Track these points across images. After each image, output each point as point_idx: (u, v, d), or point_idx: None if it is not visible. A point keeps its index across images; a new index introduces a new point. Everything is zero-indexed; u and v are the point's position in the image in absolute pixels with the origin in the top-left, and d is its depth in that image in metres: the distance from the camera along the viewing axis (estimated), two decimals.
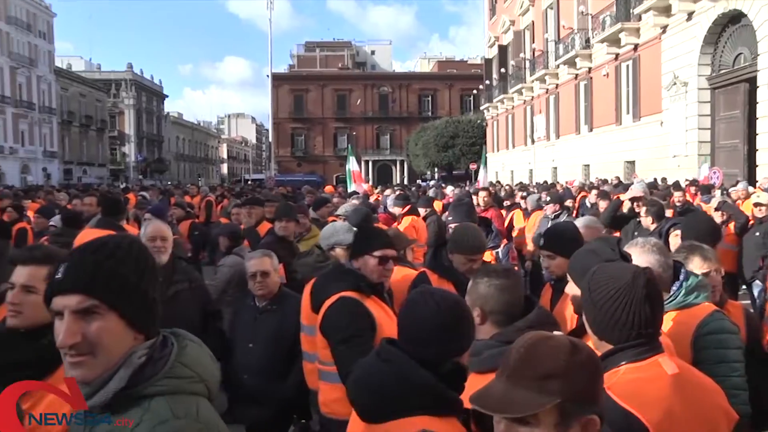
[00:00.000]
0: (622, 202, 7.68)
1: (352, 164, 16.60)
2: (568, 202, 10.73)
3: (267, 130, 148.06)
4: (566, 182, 24.52)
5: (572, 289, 2.75)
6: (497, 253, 6.18)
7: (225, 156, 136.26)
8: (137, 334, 1.51)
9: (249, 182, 50.01)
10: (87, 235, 5.91)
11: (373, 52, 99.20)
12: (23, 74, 65.85)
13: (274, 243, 5.84)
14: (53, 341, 2.28)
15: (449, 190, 17.61)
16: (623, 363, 2.02)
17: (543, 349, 1.49)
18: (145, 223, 5.43)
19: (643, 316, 2.01)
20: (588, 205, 11.94)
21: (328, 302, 3.39)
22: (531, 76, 39.55)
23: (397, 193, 12.25)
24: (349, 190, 14.28)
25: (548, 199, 9.77)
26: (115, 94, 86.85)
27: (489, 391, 1.49)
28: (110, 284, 1.46)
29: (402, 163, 76.48)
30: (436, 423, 1.87)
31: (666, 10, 22.88)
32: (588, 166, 31.53)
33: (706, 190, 13.34)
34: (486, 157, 20.84)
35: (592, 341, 2.09)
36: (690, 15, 21.66)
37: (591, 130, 31.73)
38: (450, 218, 6.18)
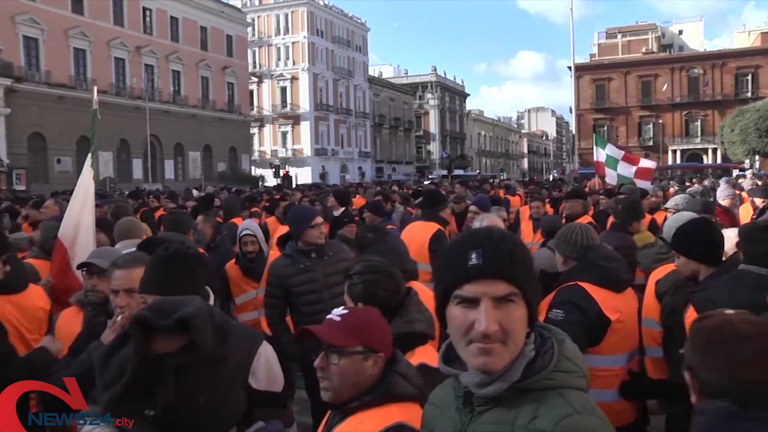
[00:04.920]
0: None
1: (610, 149, 13.93)
2: None
3: (567, 123, 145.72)
4: None
5: None
6: None
7: (525, 151, 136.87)
8: (528, 327, 1.47)
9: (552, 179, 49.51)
10: (414, 227, 6.50)
11: (680, 32, 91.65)
12: (343, 85, 74.07)
13: (614, 236, 5.68)
14: None
15: None
16: None
17: None
18: (478, 217, 5.51)
19: None
20: None
21: None
22: None
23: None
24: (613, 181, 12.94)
25: None
26: (421, 96, 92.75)
27: None
28: (524, 273, 1.44)
29: (714, 151, 69.72)
30: None
31: None
32: None
33: None
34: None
35: None
36: None
37: None
38: None
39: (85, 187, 5.00)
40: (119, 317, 2.70)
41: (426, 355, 2.51)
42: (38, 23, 39.67)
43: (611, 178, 13.24)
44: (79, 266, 3.59)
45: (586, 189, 13.15)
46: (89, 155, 5.23)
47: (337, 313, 2.09)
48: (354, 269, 2.83)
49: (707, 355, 1.91)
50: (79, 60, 43.07)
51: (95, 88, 6.13)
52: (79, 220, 4.82)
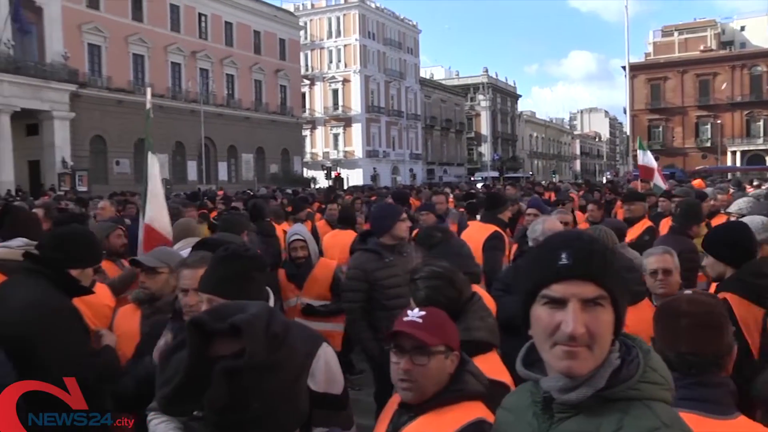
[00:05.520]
0: None
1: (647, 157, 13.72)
2: None
3: (621, 124, 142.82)
4: None
5: None
6: None
7: (578, 152, 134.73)
8: (613, 334, 1.42)
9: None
10: (472, 228, 6.51)
11: (742, 28, 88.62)
12: (394, 87, 74.27)
13: (675, 240, 5.46)
14: None
15: None
16: None
17: None
18: (538, 219, 5.39)
19: None
20: None
21: None
22: None
23: None
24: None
25: None
26: (472, 97, 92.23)
27: None
28: (614, 278, 1.40)
29: None
30: None
31: None
32: None
33: None
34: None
35: None
36: None
37: None
38: None
39: (156, 181, 5.47)
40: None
41: (485, 364, 2.44)
42: (101, 31, 41.02)
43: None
44: (130, 262, 3.73)
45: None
46: (149, 153, 5.59)
47: (415, 314, 2.11)
48: (418, 274, 2.83)
49: (659, 331, 2.12)
50: (138, 65, 44.28)
51: (149, 89, 6.45)
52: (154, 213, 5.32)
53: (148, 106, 6.07)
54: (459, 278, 2.83)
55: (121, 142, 41.42)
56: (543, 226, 4.56)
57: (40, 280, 2.97)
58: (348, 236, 6.86)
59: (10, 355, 2.71)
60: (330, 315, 5.44)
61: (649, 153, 13.86)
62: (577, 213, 9.25)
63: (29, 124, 37.20)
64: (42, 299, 2.88)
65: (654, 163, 13.54)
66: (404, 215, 4.93)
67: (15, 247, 3.55)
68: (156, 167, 5.60)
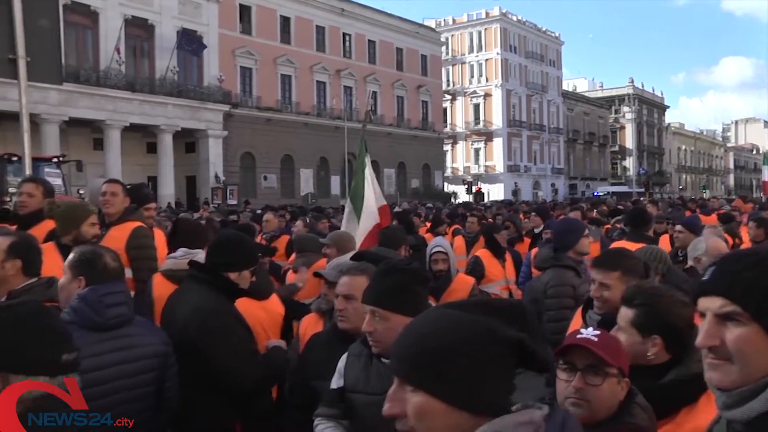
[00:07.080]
0: None
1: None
2: None
3: None
4: None
5: None
6: None
7: (731, 166, 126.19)
8: None
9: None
10: (623, 246, 6.48)
11: None
12: (536, 100, 73.17)
13: None
14: None
15: None
16: None
17: None
18: (700, 238, 5.26)
19: None
20: None
21: None
22: None
23: None
24: None
25: None
26: (617, 109, 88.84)
27: None
28: (753, 293, 1.37)
29: None
30: None
31: None
32: None
33: None
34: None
35: None
36: None
37: None
38: None
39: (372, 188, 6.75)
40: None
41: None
42: (252, 54, 43.42)
43: None
44: (314, 275, 3.90)
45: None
46: (366, 159, 7.04)
47: (590, 333, 2.04)
48: (637, 299, 2.40)
49: None
50: (285, 85, 46.34)
51: (370, 105, 7.36)
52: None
53: (368, 109, 6.75)
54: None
55: (269, 158, 43.53)
56: (706, 244, 4.53)
57: (203, 285, 3.23)
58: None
59: (183, 360, 3.03)
60: None
61: None
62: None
63: (188, 142, 40.07)
64: (202, 303, 3.12)
65: None
66: (587, 231, 5.04)
67: (179, 257, 3.82)
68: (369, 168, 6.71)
